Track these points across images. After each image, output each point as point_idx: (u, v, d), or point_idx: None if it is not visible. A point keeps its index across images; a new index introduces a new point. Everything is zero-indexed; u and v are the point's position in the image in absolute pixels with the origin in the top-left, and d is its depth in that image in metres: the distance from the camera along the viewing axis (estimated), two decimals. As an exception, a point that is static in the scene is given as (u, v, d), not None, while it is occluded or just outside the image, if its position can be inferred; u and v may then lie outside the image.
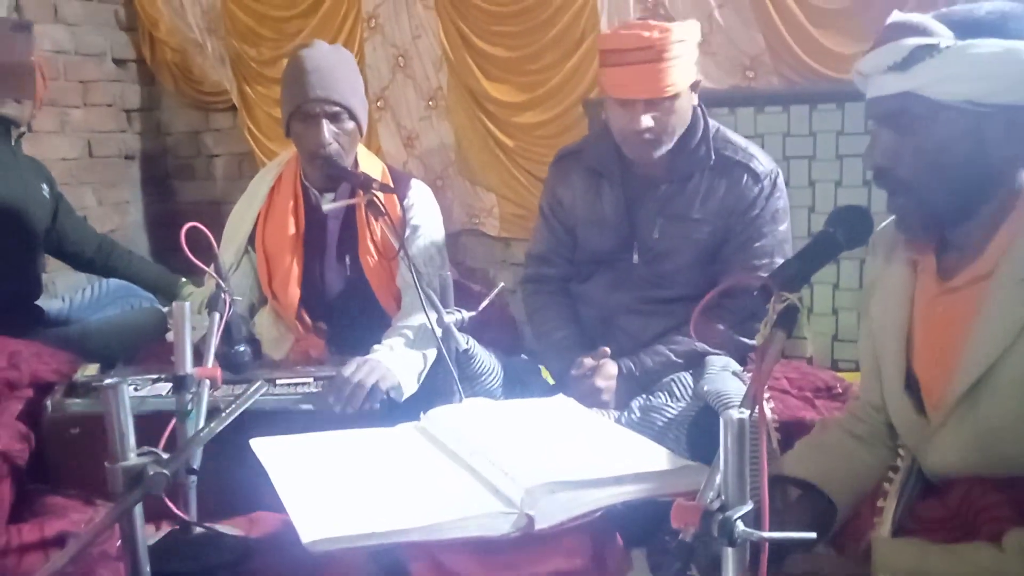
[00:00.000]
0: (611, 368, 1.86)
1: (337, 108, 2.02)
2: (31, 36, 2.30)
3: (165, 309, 2.64)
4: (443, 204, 3.31)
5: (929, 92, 1.14)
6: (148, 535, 1.27)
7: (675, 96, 1.82)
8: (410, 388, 1.88)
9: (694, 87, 1.88)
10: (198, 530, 1.48)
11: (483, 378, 1.93)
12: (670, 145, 1.88)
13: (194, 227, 1.59)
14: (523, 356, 2.17)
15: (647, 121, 1.82)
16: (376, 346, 1.90)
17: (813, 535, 0.94)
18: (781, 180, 1.93)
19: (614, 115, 1.87)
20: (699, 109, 1.94)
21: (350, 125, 2.06)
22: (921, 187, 1.19)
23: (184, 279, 2.75)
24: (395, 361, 1.86)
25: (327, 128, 2.01)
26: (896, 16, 1.20)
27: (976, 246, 1.21)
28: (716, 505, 0.90)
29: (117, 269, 2.76)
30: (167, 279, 2.78)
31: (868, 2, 2.50)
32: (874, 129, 1.24)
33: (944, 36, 1.13)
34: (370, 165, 2.17)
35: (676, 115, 1.85)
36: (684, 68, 1.81)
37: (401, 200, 2.03)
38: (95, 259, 2.73)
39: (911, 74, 1.13)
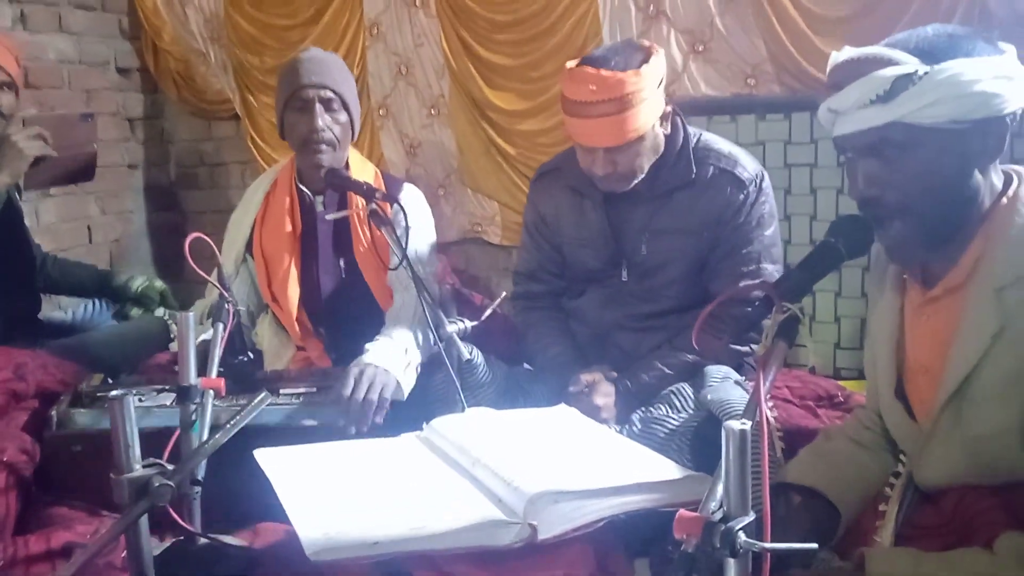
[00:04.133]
0: (608, 385, 1.85)
1: (331, 95, 2.04)
2: (95, 125, 2.32)
3: (167, 319, 2.64)
4: (444, 212, 3.35)
5: (913, 119, 1.16)
6: (152, 546, 1.28)
7: (639, 139, 1.78)
8: (409, 385, 1.88)
9: (664, 117, 1.83)
10: (202, 541, 1.48)
11: (485, 388, 1.93)
12: (639, 177, 1.85)
13: (198, 238, 1.60)
14: (525, 365, 2.17)
15: (605, 168, 1.80)
16: (368, 345, 1.90)
17: (815, 545, 0.94)
18: (767, 183, 1.90)
19: (579, 153, 1.86)
20: (678, 121, 1.90)
21: (343, 116, 2.07)
22: (914, 208, 1.21)
23: (129, 276, 2.68)
24: (389, 360, 1.85)
25: (321, 114, 2.02)
26: (848, 52, 1.22)
27: (953, 255, 1.25)
28: (718, 516, 0.90)
29: (66, 276, 2.66)
30: (104, 275, 2.70)
31: (869, 9, 2.51)
32: (852, 161, 1.25)
33: (913, 63, 1.16)
34: (362, 170, 2.18)
35: (641, 155, 1.81)
36: (647, 111, 1.76)
37: (396, 203, 2.04)
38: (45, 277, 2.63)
39: (895, 104, 1.16)
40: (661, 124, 1.85)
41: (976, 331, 1.19)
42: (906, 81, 1.15)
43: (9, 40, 2.41)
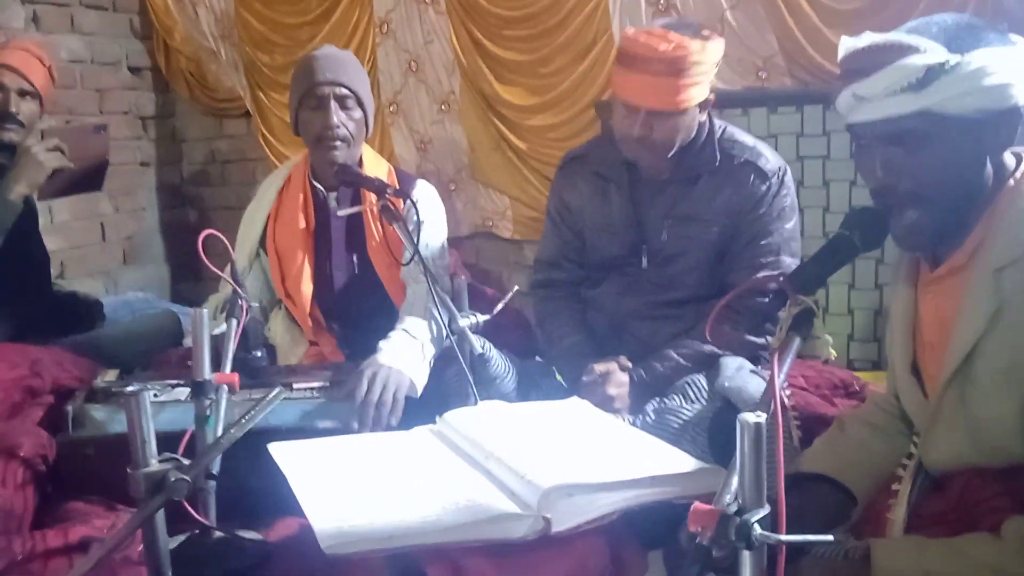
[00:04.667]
0: (622, 375, 1.85)
1: (346, 91, 2.05)
2: (107, 137, 2.32)
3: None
4: (455, 207, 3.36)
5: (941, 108, 1.16)
6: (168, 539, 1.28)
7: (683, 112, 1.80)
8: (422, 381, 1.89)
9: (704, 104, 1.85)
10: (218, 534, 1.49)
11: (497, 381, 1.93)
12: (668, 154, 1.86)
13: (211, 234, 1.61)
14: (537, 358, 2.17)
15: (643, 130, 1.80)
16: (381, 344, 1.90)
17: (830, 537, 0.94)
18: (789, 178, 1.91)
19: (618, 115, 1.86)
20: (706, 111, 1.92)
21: (358, 114, 2.09)
22: (929, 197, 1.22)
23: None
24: (402, 359, 1.86)
25: (336, 111, 2.03)
26: (869, 38, 1.21)
27: (959, 237, 1.25)
28: (733, 508, 0.90)
29: None
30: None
31: (882, 3, 2.50)
32: (868, 148, 1.25)
33: (942, 52, 1.16)
34: (376, 166, 2.19)
35: (679, 130, 1.82)
36: (699, 87, 1.78)
37: (408, 199, 2.05)
38: None
39: (927, 93, 1.16)
40: (701, 110, 1.86)
41: (975, 311, 1.20)
42: (939, 70, 1.14)
43: (41, 50, 2.42)
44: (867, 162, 1.26)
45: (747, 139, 1.93)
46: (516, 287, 2.01)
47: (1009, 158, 1.25)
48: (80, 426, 1.76)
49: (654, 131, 1.81)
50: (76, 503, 1.63)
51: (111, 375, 1.91)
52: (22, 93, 2.35)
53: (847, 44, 1.23)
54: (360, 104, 2.09)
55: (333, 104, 2.04)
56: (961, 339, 1.21)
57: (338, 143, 2.06)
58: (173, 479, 1.16)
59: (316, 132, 2.06)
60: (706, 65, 1.77)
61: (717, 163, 1.89)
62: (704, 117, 1.89)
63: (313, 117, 2.06)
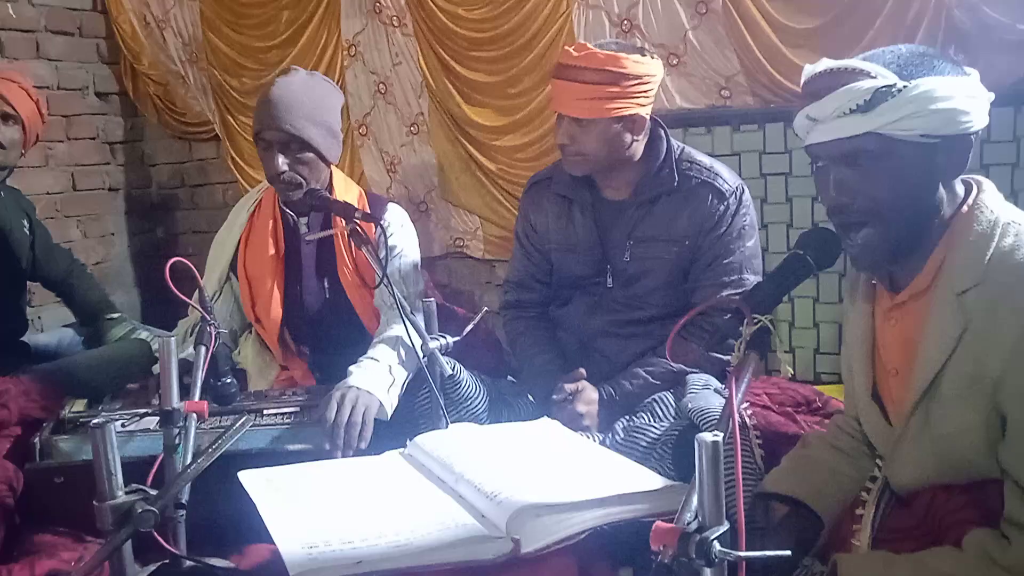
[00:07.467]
0: (591, 393, 1.88)
1: (288, 138, 2.02)
2: None
3: (151, 340, 2.64)
4: (427, 228, 3.37)
5: (888, 130, 1.20)
6: (137, 570, 1.28)
7: (589, 121, 1.85)
8: (392, 404, 1.89)
9: (632, 124, 1.88)
10: (188, 564, 1.48)
11: (469, 402, 1.95)
12: (587, 168, 1.93)
13: (178, 261, 1.61)
14: (509, 378, 2.19)
15: (561, 138, 1.90)
16: (351, 368, 1.91)
17: (788, 552, 0.96)
18: (747, 196, 1.95)
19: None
20: (662, 132, 1.96)
21: (307, 155, 2.05)
22: (883, 215, 1.25)
23: (114, 316, 2.73)
24: (371, 382, 1.87)
25: (280, 157, 2.03)
26: (826, 63, 1.25)
27: (917, 262, 1.28)
28: (693, 526, 0.92)
29: (74, 293, 2.76)
30: (100, 307, 2.77)
31: (839, 21, 2.55)
32: (824, 169, 1.28)
33: (891, 77, 1.19)
34: (346, 190, 2.19)
35: (592, 140, 1.87)
36: (624, 100, 1.82)
37: (377, 223, 2.05)
38: (62, 283, 2.77)
39: (874, 115, 1.19)
40: (635, 132, 1.89)
41: (941, 334, 1.23)
42: (885, 93, 1.18)
43: (27, 82, 2.58)
44: (823, 182, 1.29)
45: (704, 159, 1.97)
46: (485, 308, 2.03)
47: (960, 186, 1.29)
48: (47, 457, 1.75)
49: (573, 141, 1.88)
50: (43, 536, 1.61)
51: (79, 405, 1.90)
52: (4, 117, 2.38)
53: (807, 70, 1.27)
54: (309, 147, 2.04)
55: (277, 154, 2.02)
56: (929, 361, 1.24)
57: (288, 186, 2.06)
58: (140, 510, 1.16)
59: (268, 174, 2.07)
60: (635, 81, 1.82)
61: (675, 184, 1.92)
62: (640, 137, 1.92)
63: (264, 158, 2.06)
